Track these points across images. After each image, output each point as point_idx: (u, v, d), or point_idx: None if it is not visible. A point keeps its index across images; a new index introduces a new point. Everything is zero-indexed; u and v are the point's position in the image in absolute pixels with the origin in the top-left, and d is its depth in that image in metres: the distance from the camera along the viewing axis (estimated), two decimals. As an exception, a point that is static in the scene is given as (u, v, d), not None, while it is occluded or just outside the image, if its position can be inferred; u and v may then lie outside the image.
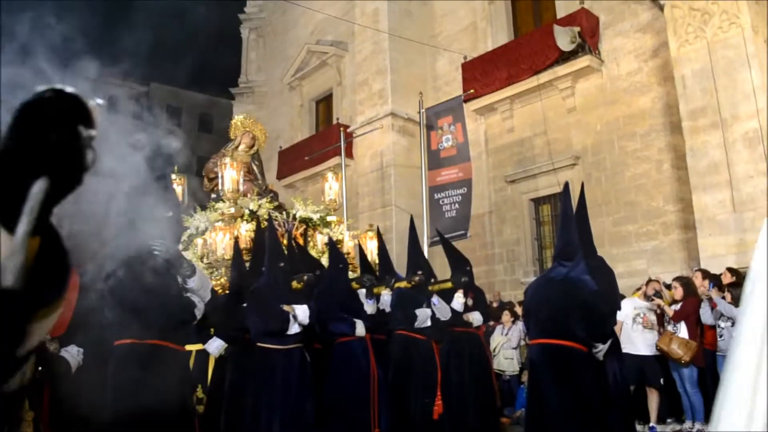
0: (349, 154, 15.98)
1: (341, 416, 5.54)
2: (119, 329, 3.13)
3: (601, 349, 4.35)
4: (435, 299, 6.35)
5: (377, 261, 7.49)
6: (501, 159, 14.53)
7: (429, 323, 6.16)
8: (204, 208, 8.06)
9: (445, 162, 13.34)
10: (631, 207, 12.01)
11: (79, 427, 2.90)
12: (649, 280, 8.30)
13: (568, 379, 4.11)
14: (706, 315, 7.05)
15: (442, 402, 5.99)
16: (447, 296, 6.52)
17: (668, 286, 7.82)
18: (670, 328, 7.38)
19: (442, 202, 13.19)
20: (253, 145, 8.74)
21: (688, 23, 9.98)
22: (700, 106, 9.75)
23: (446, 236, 11.79)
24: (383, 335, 6.19)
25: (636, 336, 7.63)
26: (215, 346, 5.82)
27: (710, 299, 6.97)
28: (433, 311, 6.25)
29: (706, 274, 7.56)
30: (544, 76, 13.25)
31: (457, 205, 13.02)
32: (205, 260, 7.36)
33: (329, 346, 5.86)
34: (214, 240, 7.09)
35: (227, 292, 6.33)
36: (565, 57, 12.98)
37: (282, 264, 5.37)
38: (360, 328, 5.76)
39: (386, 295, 6.26)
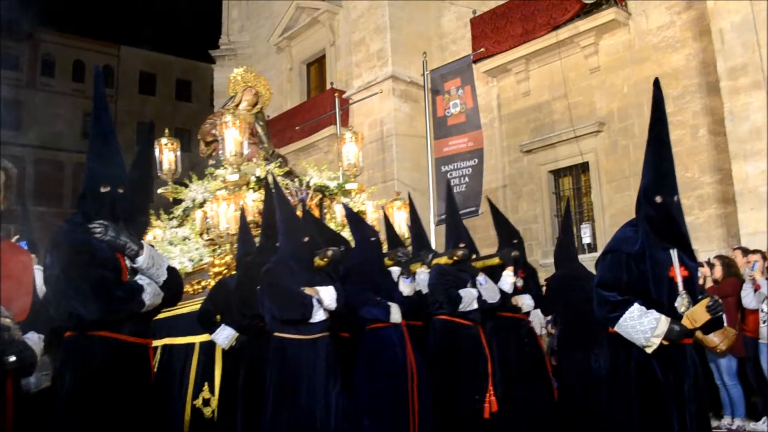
0: (345, 123, 15.87)
1: (374, 417, 5.29)
2: (65, 320, 3.15)
3: None
4: (482, 278, 6.01)
5: (406, 235, 7.32)
6: (516, 126, 14.45)
7: (475, 306, 5.85)
8: (201, 176, 7.80)
9: (453, 130, 13.26)
10: (663, 178, 11.93)
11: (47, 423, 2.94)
12: None
13: None
14: (748, 298, 7.01)
15: (495, 398, 5.77)
16: (492, 274, 6.22)
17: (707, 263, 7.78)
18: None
19: (450, 175, 13.13)
20: (256, 103, 8.45)
21: (726, -31, 9.86)
22: (740, 63, 9.65)
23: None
24: (420, 321, 5.85)
25: None
26: (224, 336, 5.57)
27: (753, 280, 6.93)
28: (479, 292, 5.94)
29: (746, 252, 7.52)
30: (564, 32, 13.11)
31: (466, 179, 12.98)
32: (205, 236, 7.08)
33: (359, 334, 5.55)
34: (216, 212, 6.66)
35: (233, 273, 6.02)
36: (587, 10, 12.85)
37: (306, 239, 5.06)
38: (396, 313, 5.39)
39: (422, 274, 5.92)
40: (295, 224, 5.16)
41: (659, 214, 3.60)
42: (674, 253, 3.60)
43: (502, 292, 6.19)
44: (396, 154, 15.25)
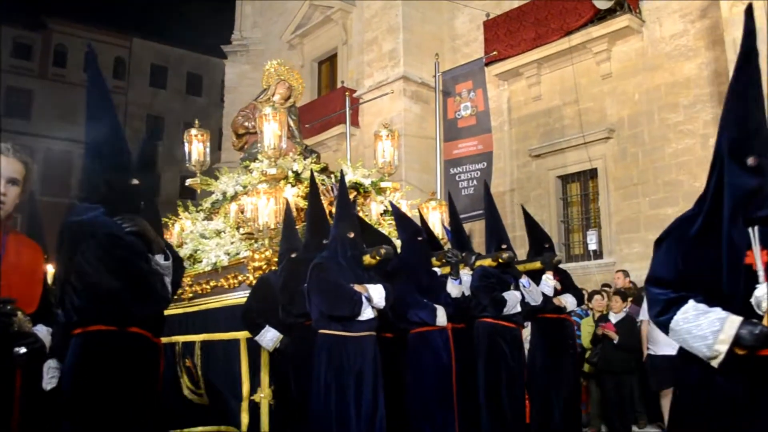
0: (355, 122, 15.92)
1: (420, 420, 5.32)
2: (91, 314, 2.99)
3: None
4: (525, 280, 6.04)
5: (440, 236, 7.31)
6: (526, 130, 14.45)
7: (519, 308, 5.90)
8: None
9: (463, 133, 13.28)
10: (672, 187, 11.93)
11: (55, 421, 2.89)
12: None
13: None
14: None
15: (529, 403, 5.82)
16: (532, 278, 6.27)
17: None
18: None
19: (459, 177, 13.16)
20: (289, 97, 8.26)
21: (742, -21, 9.84)
22: (753, 74, 9.61)
23: (462, 216, 11.80)
24: (462, 323, 5.80)
25: (657, 334, 7.32)
26: (269, 338, 5.48)
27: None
28: (522, 295, 5.97)
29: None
30: (577, 38, 13.12)
31: (475, 182, 12.99)
32: (241, 231, 6.90)
33: (404, 336, 5.54)
34: (256, 206, 6.43)
35: (274, 269, 5.87)
36: (600, 16, 12.84)
37: (352, 234, 4.99)
38: (441, 316, 5.43)
39: (465, 276, 5.87)
40: (345, 220, 5.12)
41: (752, 180, 2.58)
42: (754, 232, 2.54)
43: (543, 294, 6.22)
44: (405, 155, 15.22)
